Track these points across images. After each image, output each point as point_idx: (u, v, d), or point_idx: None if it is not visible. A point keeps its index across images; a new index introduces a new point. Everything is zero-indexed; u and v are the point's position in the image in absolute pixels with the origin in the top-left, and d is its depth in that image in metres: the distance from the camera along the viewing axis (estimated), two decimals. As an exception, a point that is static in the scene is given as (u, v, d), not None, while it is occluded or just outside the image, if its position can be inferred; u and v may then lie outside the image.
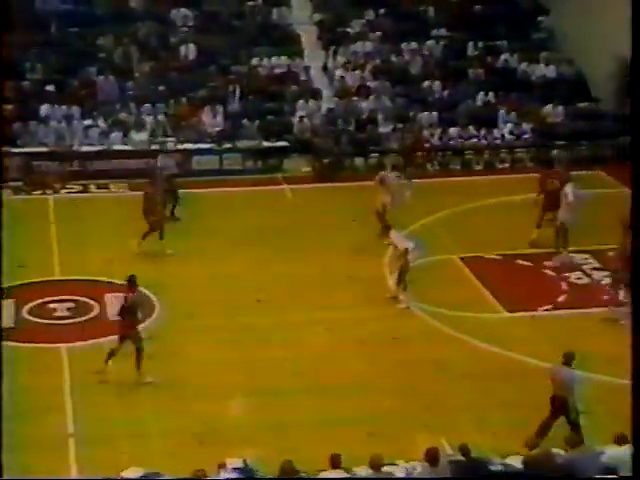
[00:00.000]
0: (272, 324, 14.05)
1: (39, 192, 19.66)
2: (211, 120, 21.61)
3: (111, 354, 12.44)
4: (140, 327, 12.59)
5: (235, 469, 9.19)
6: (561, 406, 10.98)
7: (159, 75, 22.66)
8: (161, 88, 22.30)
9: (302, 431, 11.40)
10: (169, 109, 21.82)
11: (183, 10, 23.98)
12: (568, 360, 11.14)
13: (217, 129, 21.50)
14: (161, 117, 21.55)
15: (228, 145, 21.20)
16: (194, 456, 10.04)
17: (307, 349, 13.52)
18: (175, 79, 22.57)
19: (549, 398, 11.03)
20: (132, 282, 12.53)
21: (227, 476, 9.04)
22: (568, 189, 16.28)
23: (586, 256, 16.48)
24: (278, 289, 15.23)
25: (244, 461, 9.37)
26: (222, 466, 9.20)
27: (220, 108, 21.78)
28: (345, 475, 8.93)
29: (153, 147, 20.58)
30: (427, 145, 21.54)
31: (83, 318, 14.40)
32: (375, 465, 8.77)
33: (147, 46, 23.22)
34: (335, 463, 8.92)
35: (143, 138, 21.16)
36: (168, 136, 21.20)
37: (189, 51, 23.18)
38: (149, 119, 21.52)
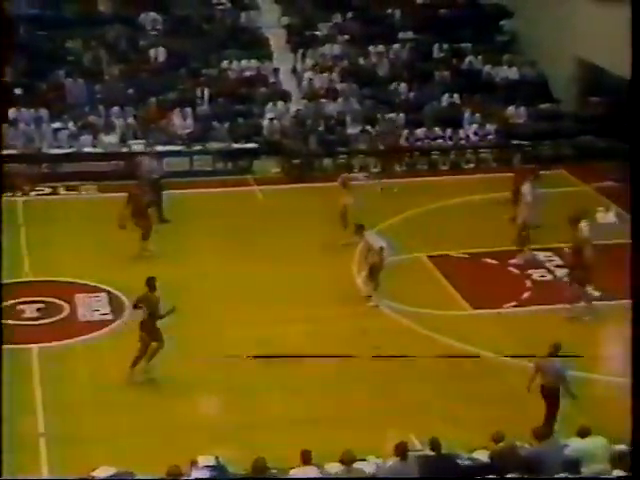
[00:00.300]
0: (244, 323, 14.01)
1: (8, 194, 19.45)
2: (181, 122, 21.55)
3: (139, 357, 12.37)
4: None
5: (207, 467, 9.16)
6: (552, 395, 11.09)
7: (128, 78, 22.53)
8: (130, 91, 22.18)
9: (274, 429, 11.39)
10: (139, 112, 21.71)
11: (152, 14, 23.88)
12: (555, 350, 11.24)
13: (187, 131, 21.45)
14: (131, 120, 21.44)
15: (198, 147, 21.16)
16: (166, 455, 9.98)
17: (278, 348, 13.47)
18: (145, 82, 22.47)
19: (539, 389, 11.13)
20: (151, 284, 12.50)
21: (199, 473, 9.01)
22: (526, 189, 16.42)
23: (549, 254, 16.64)
24: (249, 289, 15.19)
25: (216, 458, 9.34)
26: (194, 463, 9.17)
27: (190, 110, 21.74)
28: (316, 471, 8.93)
29: (138, 150, 20.46)
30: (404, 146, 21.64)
31: (53, 319, 14.28)
32: (346, 461, 8.78)
33: (116, 49, 23.10)
34: (306, 459, 8.92)
35: (113, 141, 21.05)
36: (138, 138, 21.12)
37: (159, 54, 23.09)
38: (118, 122, 21.40)
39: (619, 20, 20.85)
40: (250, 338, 13.65)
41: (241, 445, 10.47)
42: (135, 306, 12.63)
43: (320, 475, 8.88)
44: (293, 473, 8.94)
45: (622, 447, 9.31)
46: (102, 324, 14.22)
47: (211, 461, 9.27)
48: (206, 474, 9.08)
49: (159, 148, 20.58)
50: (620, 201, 18.59)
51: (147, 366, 12.48)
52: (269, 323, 14.13)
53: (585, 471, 8.75)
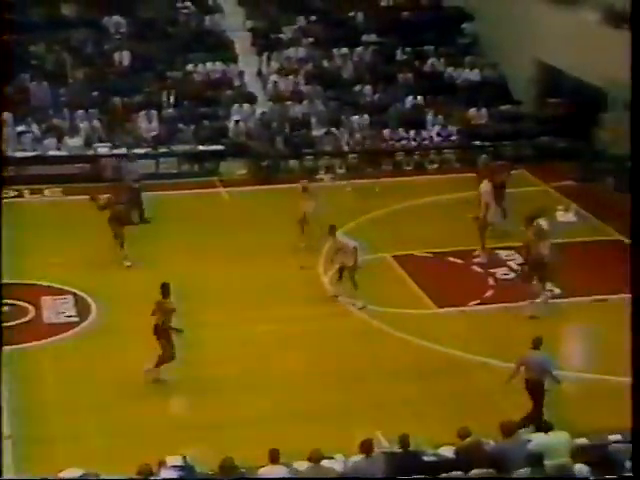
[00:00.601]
0: (210, 324, 13.94)
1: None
2: (147, 125, 21.40)
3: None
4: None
5: (175, 467, 9.09)
6: (536, 389, 11.15)
7: (93, 81, 22.33)
8: (95, 94, 21.98)
9: (243, 428, 11.34)
10: (104, 115, 21.52)
11: (116, 17, 23.69)
12: (537, 345, 11.29)
13: (153, 134, 21.31)
14: (96, 123, 21.25)
15: (164, 149, 21.04)
16: (133, 455, 9.87)
17: (246, 347, 13.45)
18: (110, 85, 22.28)
19: (524, 384, 11.18)
20: (165, 290, 12.40)
21: (167, 473, 8.93)
22: (484, 187, 16.49)
23: (511, 252, 16.75)
24: (217, 289, 15.12)
25: (184, 458, 9.27)
26: (162, 464, 9.09)
27: (155, 113, 21.62)
28: (284, 470, 8.90)
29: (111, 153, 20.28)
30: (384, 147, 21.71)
31: (18, 321, 14.09)
32: (314, 459, 8.76)
33: (81, 52, 22.89)
34: (274, 458, 8.89)
35: (77, 144, 20.85)
36: (103, 141, 20.94)
37: (123, 57, 22.92)
38: (83, 125, 21.21)
39: (576, 23, 21.31)
40: (218, 338, 13.60)
41: (210, 445, 10.40)
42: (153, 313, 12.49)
43: (288, 474, 8.83)
44: (261, 472, 8.88)
45: (583, 441, 9.41)
46: (68, 326, 14.08)
47: (179, 461, 9.19)
48: (174, 474, 9.01)
49: (124, 150, 20.43)
50: (579, 200, 18.83)
51: (153, 370, 12.36)
52: (236, 323, 14.07)
53: (548, 465, 8.79)
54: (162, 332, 12.30)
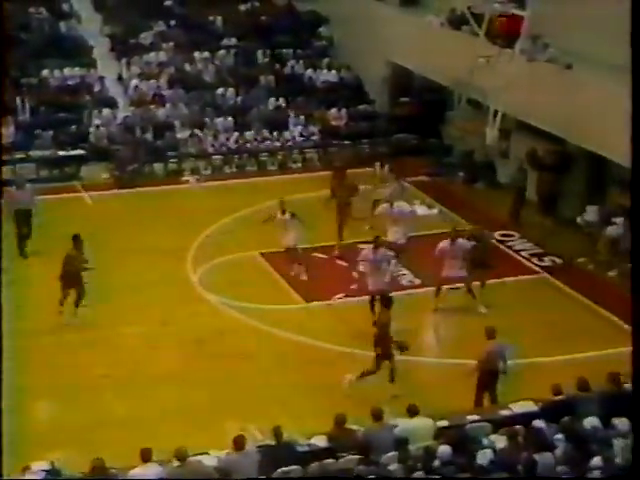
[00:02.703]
0: (83, 327, 13.57)
1: None
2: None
3: None
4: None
5: (42, 471, 8.74)
6: (492, 377, 11.27)
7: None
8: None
9: (114, 428, 11.10)
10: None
11: (-34, 22, 22.57)
12: (492, 334, 11.37)
13: (9, 140, 20.45)
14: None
15: (21, 155, 20.25)
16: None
17: (119, 349, 13.19)
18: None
19: (479, 372, 11.29)
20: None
21: (32, 477, 8.59)
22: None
23: (371, 245, 17.04)
24: (87, 292, 14.69)
25: (51, 463, 8.93)
26: (26, 469, 8.73)
27: (11, 119, 20.76)
28: (157, 469, 8.73)
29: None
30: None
31: None
32: (180, 457, 8.64)
33: None
34: (145, 457, 8.71)
35: None
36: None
37: (-25, 64, 21.86)
38: None
39: (422, 26, 21.94)
40: (89, 341, 13.26)
41: (80, 446, 10.14)
42: None
43: (161, 472, 8.67)
44: (133, 472, 8.68)
45: (444, 423, 9.69)
46: None
47: (45, 465, 8.85)
48: (39, 478, 8.67)
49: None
50: (432, 193, 19.38)
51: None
52: (108, 325, 13.77)
53: (412, 449, 9.01)
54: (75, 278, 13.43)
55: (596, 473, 8.39)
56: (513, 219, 17.89)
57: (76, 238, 14.03)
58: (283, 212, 15.29)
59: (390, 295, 12.53)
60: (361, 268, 14.09)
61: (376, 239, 14.05)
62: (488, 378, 11.30)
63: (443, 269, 14.22)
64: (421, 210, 18.07)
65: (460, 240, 14.31)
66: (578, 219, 16.90)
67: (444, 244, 14.35)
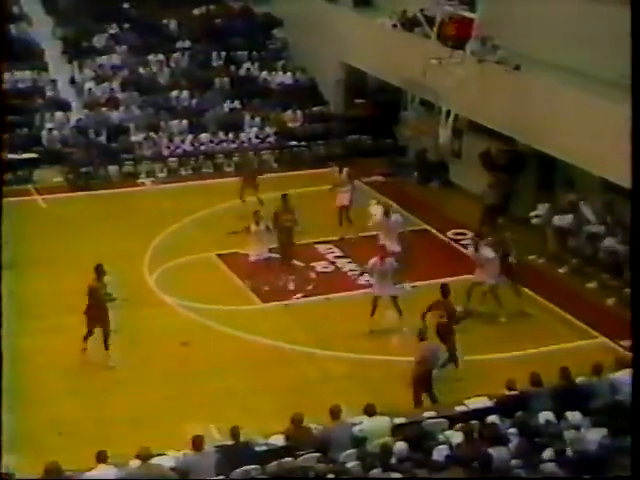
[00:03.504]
0: (25, 332, 13.29)
1: None
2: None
3: None
4: None
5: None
6: (427, 378, 11.39)
7: None
8: None
9: (71, 430, 10.99)
10: None
11: None
12: (423, 336, 11.48)
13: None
14: None
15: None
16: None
17: (74, 351, 12.93)
18: None
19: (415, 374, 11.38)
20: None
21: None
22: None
23: (329, 246, 17.10)
24: (33, 295, 14.52)
25: (6, 467, 8.74)
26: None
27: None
28: (114, 471, 8.63)
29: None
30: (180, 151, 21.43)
31: None
32: (143, 457, 8.56)
33: None
34: (101, 459, 8.60)
35: None
36: None
37: None
38: None
39: (375, 27, 22.05)
40: (31, 345, 13.00)
41: (35, 450, 9.99)
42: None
43: (117, 474, 8.57)
44: (89, 474, 8.58)
45: (401, 420, 9.73)
46: None
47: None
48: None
49: None
50: (388, 194, 19.45)
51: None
52: (49, 329, 13.54)
53: (369, 447, 9.04)
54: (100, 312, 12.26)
55: (549, 465, 8.50)
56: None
57: (98, 268, 12.68)
58: (257, 223, 15.02)
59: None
60: (368, 277, 14.18)
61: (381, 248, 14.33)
62: (425, 378, 11.44)
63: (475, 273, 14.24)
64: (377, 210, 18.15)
65: (484, 248, 14.17)
66: (534, 220, 16.89)
67: (469, 252, 14.60)
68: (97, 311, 12.54)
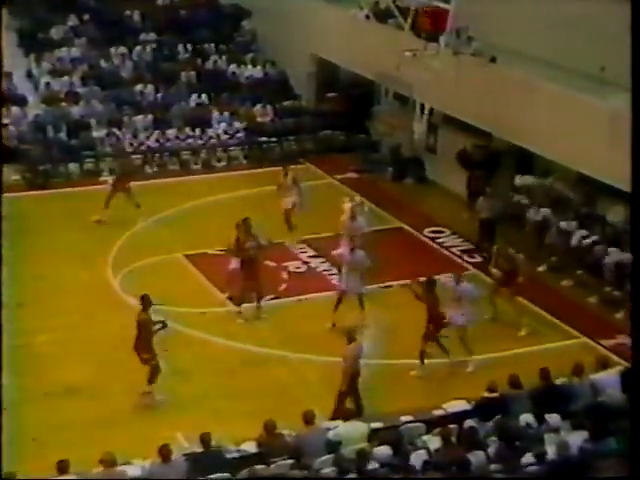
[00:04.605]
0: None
1: None
2: None
3: None
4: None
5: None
6: (355, 380, 11.39)
7: None
8: None
9: (28, 439, 10.86)
10: None
11: None
12: (351, 337, 11.47)
13: None
14: None
15: None
16: None
17: (33, 356, 12.88)
18: None
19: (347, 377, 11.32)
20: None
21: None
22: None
23: (302, 245, 17.08)
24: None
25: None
26: None
27: None
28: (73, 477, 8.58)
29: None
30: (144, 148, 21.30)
31: None
32: (107, 464, 8.50)
33: None
34: (62, 469, 8.54)
35: None
36: None
37: None
38: None
39: (347, 19, 22.08)
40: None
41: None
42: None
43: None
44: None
45: (378, 424, 9.75)
46: None
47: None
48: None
49: None
50: (361, 190, 19.47)
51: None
52: (23, 331, 13.39)
53: (345, 452, 9.05)
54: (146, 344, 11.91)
55: (530, 469, 8.57)
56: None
57: (145, 298, 12.24)
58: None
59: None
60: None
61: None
62: (354, 381, 11.46)
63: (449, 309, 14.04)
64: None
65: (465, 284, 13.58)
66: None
67: (449, 284, 14.05)
68: (145, 344, 12.11)
